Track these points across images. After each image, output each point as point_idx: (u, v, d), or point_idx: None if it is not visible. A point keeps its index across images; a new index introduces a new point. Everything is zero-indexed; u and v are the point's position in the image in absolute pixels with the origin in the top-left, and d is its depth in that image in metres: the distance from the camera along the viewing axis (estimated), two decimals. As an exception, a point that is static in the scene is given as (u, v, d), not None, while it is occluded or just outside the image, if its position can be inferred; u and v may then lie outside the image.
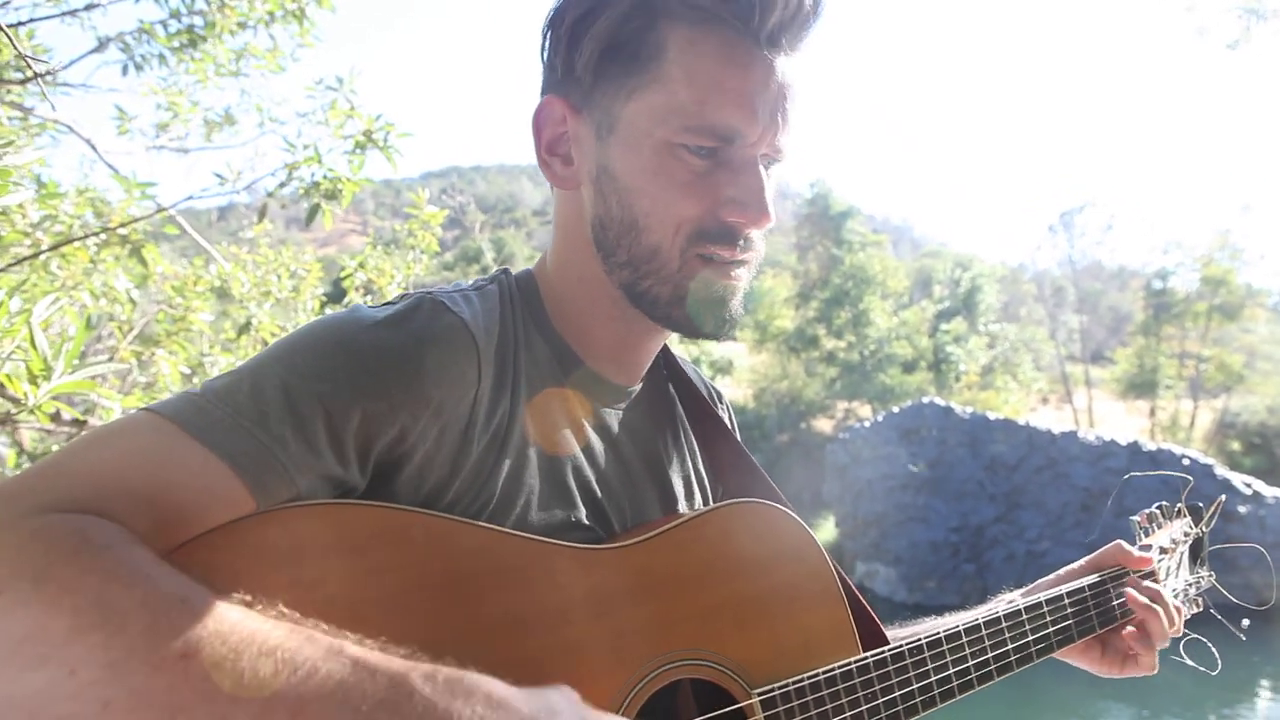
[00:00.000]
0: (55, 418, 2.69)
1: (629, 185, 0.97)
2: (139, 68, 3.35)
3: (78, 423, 2.90)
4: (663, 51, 0.93)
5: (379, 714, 0.64)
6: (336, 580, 0.76)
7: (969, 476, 18.51)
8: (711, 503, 1.19)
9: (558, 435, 1.01)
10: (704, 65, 0.93)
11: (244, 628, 0.64)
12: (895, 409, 21.27)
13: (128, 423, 0.77)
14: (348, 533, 0.79)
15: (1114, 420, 37.87)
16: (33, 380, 2.16)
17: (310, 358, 0.83)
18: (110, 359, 3.38)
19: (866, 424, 21.72)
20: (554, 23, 1.00)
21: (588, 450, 1.05)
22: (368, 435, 0.83)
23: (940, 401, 20.30)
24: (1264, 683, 12.54)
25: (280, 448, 0.78)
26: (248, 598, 0.68)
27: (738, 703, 0.98)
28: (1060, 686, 12.39)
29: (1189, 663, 1.45)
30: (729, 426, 1.25)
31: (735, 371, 39.18)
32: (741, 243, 0.99)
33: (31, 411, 2.26)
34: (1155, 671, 1.37)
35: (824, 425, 35.10)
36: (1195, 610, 1.55)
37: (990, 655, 1.21)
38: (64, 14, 2.95)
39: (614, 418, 1.10)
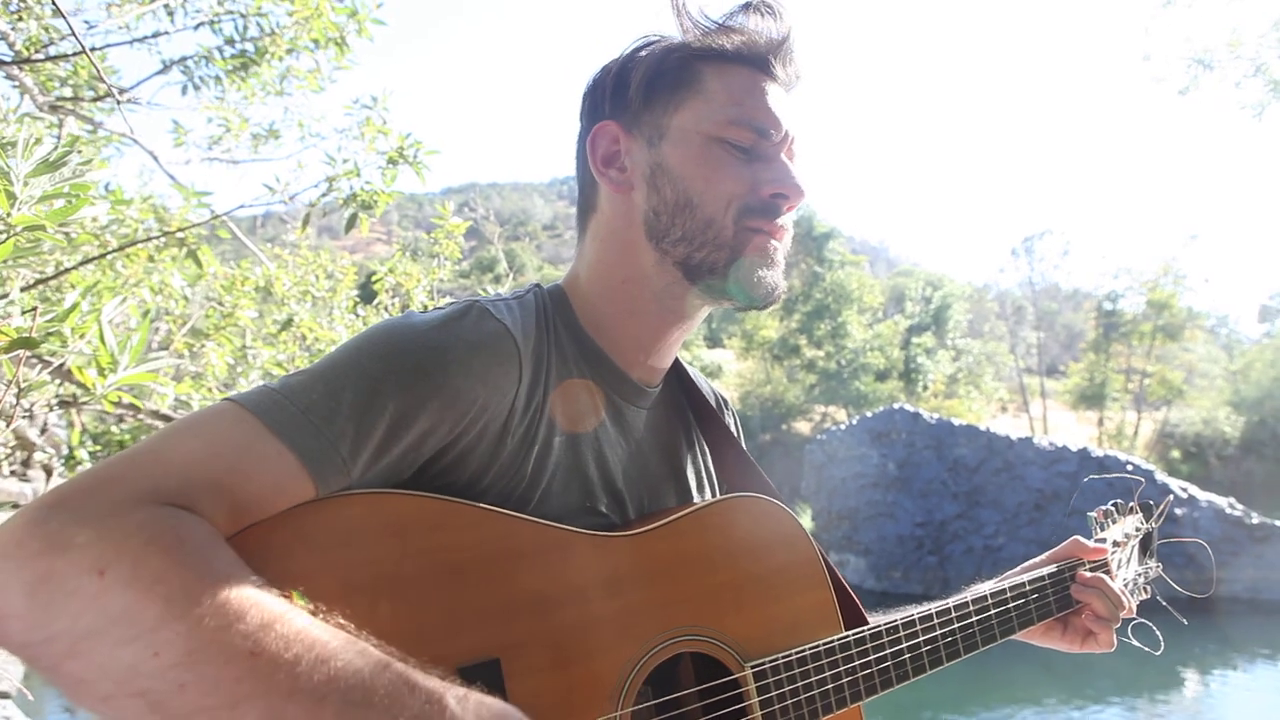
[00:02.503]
0: (118, 404, 2.72)
1: (681, 173, 1.02)
2: (197, 88, 3.37)
3: (134, 407, 2.92)
4: (700, 77, 1.03)
5: None
6: (379, 561, 0.78)
7: (933, 476, 18.54)
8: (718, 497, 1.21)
9: (583, 429, 1.03)
10: (736, 81, 1.03)
11: (307, 636, 0.66)
12: (868, 414, 21.28)
13: (215, 412, 0.79)
14: (390, 519, 0.81)
15: (1066, 428, 37.95)
16: (101, 371, 2.19)
17: (373, 361, 0.85)
18: (166, 347, 3.41)
19: (842, 427, 21.76)
20: (598, 79, 1.09)
21: (611, 443, 1.06)
22: (422, 430, 0.85)
23: (909, 408, 20.31)
24: (1192, 666, 12.59)
25: (343, 444, 0.80)
26: (312, 606, 0.70)
27: (733, 674, 1.00)
28: (1010, 668, 12.43)
29: (1135, 643, 1.48)
30: (732, 431, 1.28)
31: (723, 376, 39.20)
32: (780, 220, 1.04)
33: (99, 400, 2.28)
34: (1114, 648, 1.40)
35: (803, 427, 35.18)
36: (1144, 597, 1.57)
37: (959, 635, 1.22)
38: (133, 40, 2.97)
39: (636, 415, 1.12)
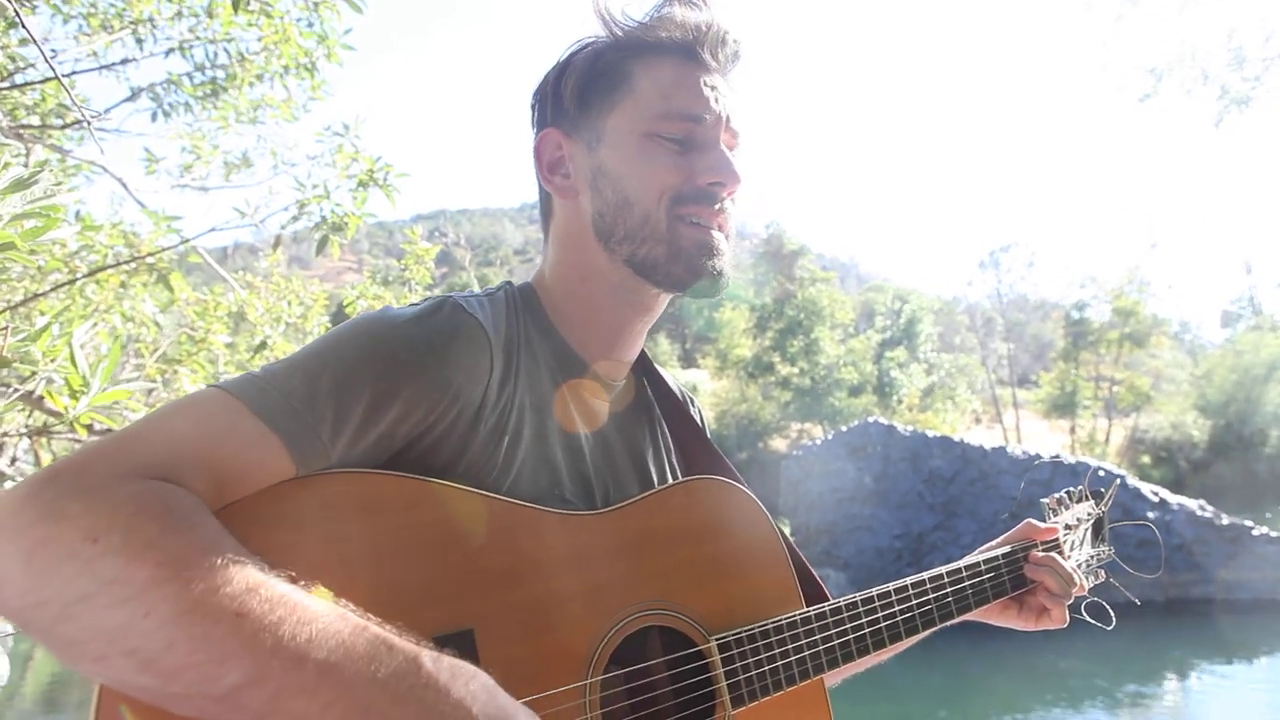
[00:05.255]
0: (90, 429, 2.72)
1: (619, 173, 1.06)
2: (167, 115, 3.40)
3: (108, 433, 2.92)
4: (630, 77, 1.07)
5: (392, 681, 0.71)
6: (357, 536, 0.82)
7: (910, 489, 18.63)
8: None
9: (552, 419, 1.07)
10: (664, 76, 1.06)
11: (290, 599, 0.70)
12: (844, 429, 21.36)
13: (199, 397, 0.83)
14: (368, 496, 0.85)
15: (1039, 437, 38.42)
16: (73, 395, 2.20)
17: (352, 349, 0.90)
18: (138, 376, 3.41)
19: (818, 442, 21.80)
20: (540, 88, 1.14)
21: (577, 434, 1.10)
22: (397, 416, 0.89)
23: (884, 421, 20.41)
24: (1170, 667, 12.72)
25: (322, 426, 0.84)
26: (293, 573, 0.74)
27: (698, 647, 1.04)
28: (991, 676, 12.50)
29: (1089, 619, 1.54)
30: (698, 423, 1.32)
31: (699, 396, 39.09)
32: (718, 206, 1.08)
33: (71, 424, 2.28)
34: (1066, 624, 1.44)
35: (779, 444, 35.25)
36: (1097, 581, 1.63)
37: (917, 611, 1.26)
38: (102, 67, 3.00)
39: (603, 407, 1.16)
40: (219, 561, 0.69)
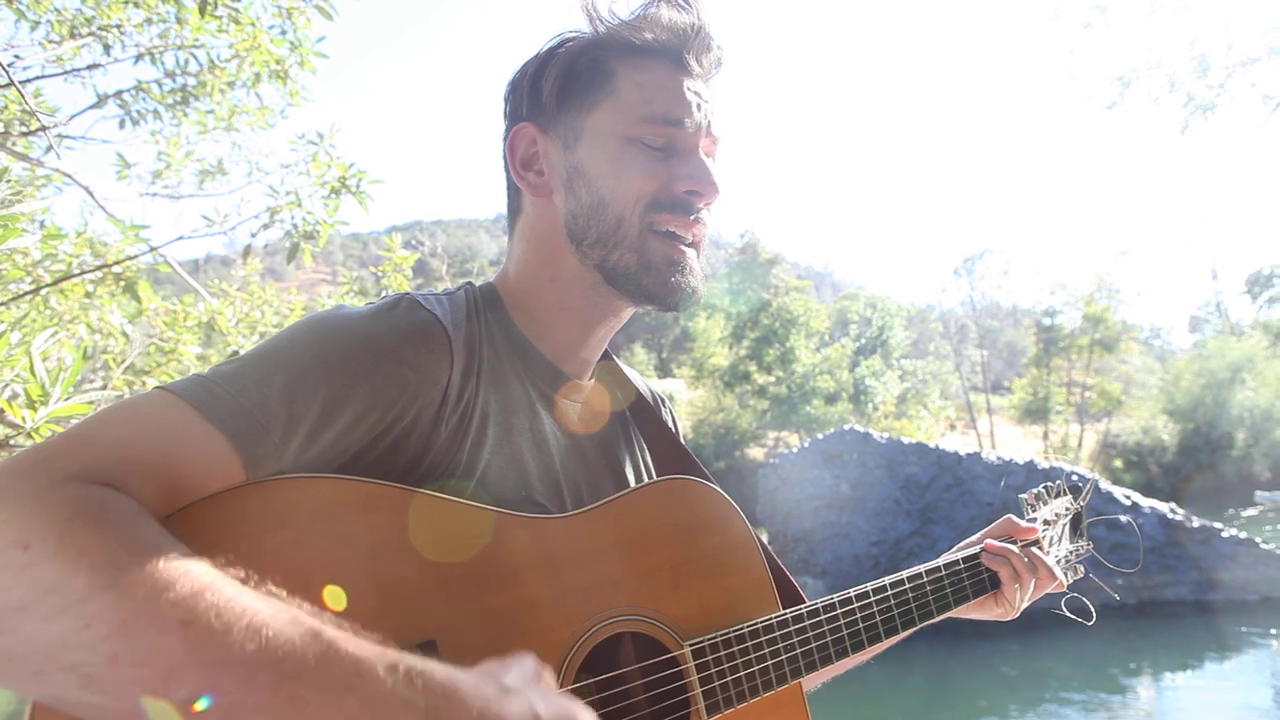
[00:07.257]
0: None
1: (596, 174, 1.04)
2: (135, 122, 3.33)
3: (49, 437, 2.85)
4: (612, 76, 1.04)
5: (345, 698, 0.65)
6: (309, 545, 0.78)
7: (886, 495, 18.69)
8: None
9: (519, 420, 1.04)
10: (647, 78, 1.04)
11: (238, 604, 0.64)
12: (820, 436, 21.43)
13: (146, 398, 0.78)
14: (323, 502, 0.81)
15: (1013, 442, 38.77)
16: (31, 405, 2.13)
17: (305, 348, 0.86)
18: (103, 388, 3.33)
19: (794, 450, 21.85)
20: (517, 79, 1.11)
21: (547, 434, 1.07)
22: (353, 416, 0.86)
23: (860, 429, 20.48)
24: (1145, 669, 12.83)
25: (274, 427, 0.80)
26: (243, 573, 0.68)
27: (671, 653, 1.02)
28: (971, 681, 12.54)
29: (1069, 615, 1.53)
30: (667, 423, 1.30)
31: (675, 406, 39.18)
32: (693, 217, 1.06)
33: (29, 435, 2.22)
34: (1011, 616, 1.43)
35: (756, 453, 35.33)
36: (1077, 576, 1.63)
37: (896, 612, 1.25)
38: (66, 73, 2.94)
39: (571, 408, 1.13)
40: (160, 565, 0.64)
